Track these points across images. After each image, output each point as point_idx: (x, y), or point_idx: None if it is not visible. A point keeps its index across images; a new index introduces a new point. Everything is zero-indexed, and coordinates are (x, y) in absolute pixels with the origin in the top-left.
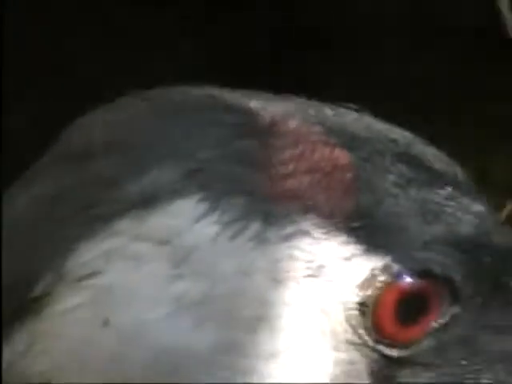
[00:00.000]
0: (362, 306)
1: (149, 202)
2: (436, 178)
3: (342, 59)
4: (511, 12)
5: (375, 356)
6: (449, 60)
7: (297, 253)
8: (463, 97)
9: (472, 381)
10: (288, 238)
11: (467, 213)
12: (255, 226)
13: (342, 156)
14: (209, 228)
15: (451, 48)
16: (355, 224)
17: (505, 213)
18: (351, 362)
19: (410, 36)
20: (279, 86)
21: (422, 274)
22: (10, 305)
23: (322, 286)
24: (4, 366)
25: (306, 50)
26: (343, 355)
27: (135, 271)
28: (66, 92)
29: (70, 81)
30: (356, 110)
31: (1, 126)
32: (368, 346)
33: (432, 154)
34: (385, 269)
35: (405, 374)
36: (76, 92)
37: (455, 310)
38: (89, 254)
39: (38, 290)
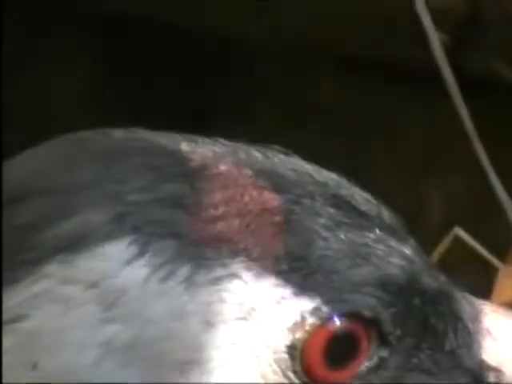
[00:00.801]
0: (291, 349)
1: (77, 244)
2: (364, 221)
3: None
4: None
5: None
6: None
7: (227, 296)
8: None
9: None
10: (218, 280)
11: (396, 256)
12: (185, 269)
13: (270, 199)
14: (139, 271)
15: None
16: (285, 267)
17: (441, 248)
18: None
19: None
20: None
21: (352, 316)
22: None
23: (252, 329)
24: None
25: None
26: None
27: (64, 315)
28: None
29: None
30: (283, 153)
31: None
32: None
33: (360, 196)
34: (314, 311)
35: None
36: None
37: (384, 352)
38: (16, 297)
39: None
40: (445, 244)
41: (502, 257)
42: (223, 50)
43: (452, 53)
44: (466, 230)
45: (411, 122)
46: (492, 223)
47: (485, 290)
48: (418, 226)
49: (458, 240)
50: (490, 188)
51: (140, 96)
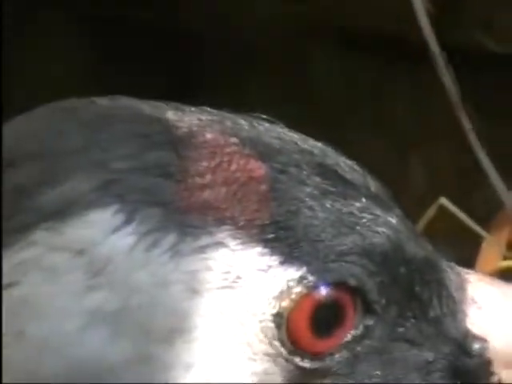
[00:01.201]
0: (277, 317)
1: (64, 212)
2: (350, 190)
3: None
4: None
5: (290, 367)
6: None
7: (212, 264)
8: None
9: None
10: (204, 249)
11: (381, 224)
12: (171, 238)
13: (257, 167)
14: (124, 239)
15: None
16: (271, 235)
17: (424, 220)
18: (266, 373)
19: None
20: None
21: (337, 285)
22: None
23: (237, 298)
24: None
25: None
26: (259, 366)
27: (51, 282)
28: None
29: None
30: (270, 121)
31: None
32: (283, 358)
33: (346, 165)
34: (300, 280)
35: None
36: None
37: (369, 321)
38: (4, 265)
39: None
40: (429, 214)
41: (486, 226)
42: (223, 25)
43: (436, 25)
44: (451, 201)
45: (398, 96)
46: (477, 194)
47: (469, 260)
48: (403, 196)
49: (442, 210)
50: (475, 159)
51: (127, 67)
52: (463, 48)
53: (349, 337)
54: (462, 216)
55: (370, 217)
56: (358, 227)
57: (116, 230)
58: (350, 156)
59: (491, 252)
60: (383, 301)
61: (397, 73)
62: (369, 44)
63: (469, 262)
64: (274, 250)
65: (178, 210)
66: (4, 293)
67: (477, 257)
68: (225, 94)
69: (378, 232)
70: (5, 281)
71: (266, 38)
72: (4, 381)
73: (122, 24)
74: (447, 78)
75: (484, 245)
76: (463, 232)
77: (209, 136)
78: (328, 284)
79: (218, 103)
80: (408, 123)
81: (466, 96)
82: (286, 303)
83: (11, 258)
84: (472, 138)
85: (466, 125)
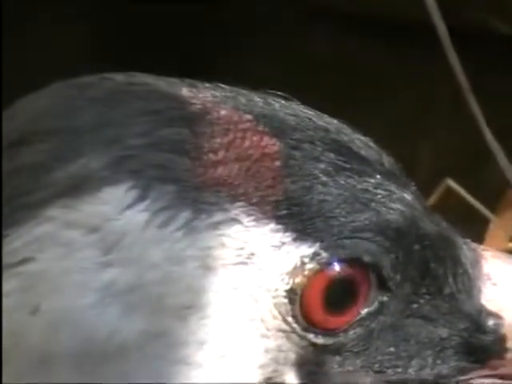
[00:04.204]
0: (291, 293)
1: (78, 188)
2: (365, 166)
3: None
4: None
5: (304, 343)
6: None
7: (226, 240)
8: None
9: (401, 368)
10: (217, 225)
11: (395, 201)
12: (185, 214)
13: (270, 144)
14: (138, 216)
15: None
16: (285, 212)
17: (434, 197)
18: (280, 350)
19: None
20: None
21: (351, 261)
22: None
23: (251, 274)
24: None
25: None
26: (272, 343)
27: (66, 258)
28: None
29: None
30: (284, 98)
31: None
32: (296, 334)
33: (360, 142)
34: (314, 256)
35: (334, 361)
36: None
37: (383, 297)
38: (19, 240)
39: None
40: (436, 196)
41: (492, 208)
42: (228, 10)
43: (442, 6)
44: (457, 183)
45: (403, 75)
46: (483, 175)
47: (476, 242)
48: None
49: (449, 191)
50: (482, 140)
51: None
52: (470, 29)
53: (363, 313)
54: (469, 197)
55: (384, 193)
56: (372, 204)
57: (130, 206)
58: None
59: (498, 233)
60: (398, 277)
61: (401, 53)
62: (372, 25)
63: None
64: (287, 227)
65: (192, 187)
66: (18, 268)
67: (483, 238)
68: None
69: (392, 208)
70: (19, 256)
71: None
72: (17, 356)
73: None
74: (454, 59)
75: (491, 226)
76: (469, 214)
77: (223, 112)
78: (342, 260)
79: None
80: (412, 104)
81: (472, 78)
82: (299, 279)
83: (26, 234)
84: (480, 119)
85: (473, 106)
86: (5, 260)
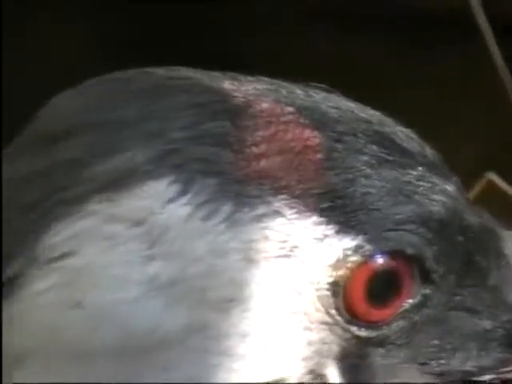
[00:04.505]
0: (334, 286)
1: (121, 182)
2: (408, 158)
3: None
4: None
5: (347, 336)
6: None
7: (269, 233)
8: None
9: (445, 360)
10: (260, 218)
11: (438, 193)
12: (228, 207)
13: (312, 136)
14: (181, 209)
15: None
16: (327, 204)
17: (476, 190)
18: (323, 342)
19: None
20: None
21: (394, 254)
22: None
23: (294, 267)
24: None
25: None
26: (315, 335)
27: (108, 252)
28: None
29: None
30: (327, 90)
31: None
32: (340, 326)
33: (403, 134)
34: (357, 249)
35: (377, 354)
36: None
37: (427, 290)
38: (61, 235)
39: (10, 272)
40: (476, 190)
41: None
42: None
43: None
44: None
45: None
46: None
47: None
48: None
49: (490, 185)
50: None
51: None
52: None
53: (406, 306)
54: (510, 191)
55: (427, 185)
56: (415, 196)
57: (173, 200)
58: None
59: None
60: (441, 269)
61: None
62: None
63: None
64: (330, 219)
65: (235, 180)
66: (60, 263)
67: None
68: None
69: (435, 200)
70: (60, 251)
71: None
72: (60, 350)
73: None
74: (494, 47)
75: None
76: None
77: (265, 105)
78: (385, 253)
79: None
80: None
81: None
82: (342, 272)
83: (67, 229)
84: None
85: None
86: (46, 254)
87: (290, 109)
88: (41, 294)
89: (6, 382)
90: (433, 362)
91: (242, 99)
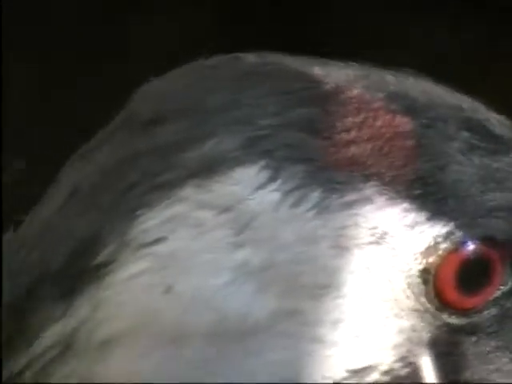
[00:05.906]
0: (425, 273)
1: (211, 168)
2: (499, 145)
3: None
4: None
5: (438, 323)
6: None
7: (360, 220)
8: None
9: None
10: (350, 205)
11: None
12: (317, 194)
13: (403, 123)
14: (270, 196)
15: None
16: (418, 191)
17: None
18: (414, 330)
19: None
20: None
21: (485, 240)
22: (70, 272)
23: (384, 254)
24: (69, 331)
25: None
26: (406, 323)
27: (198, 238)
28: None
29: None
30: (417, 76)
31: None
32: (430, 314)
33: (495, 120)
34: (448, 236)
35: (468, 342)
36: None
37: None
38: (152, 220)
39: (101, 257)
40: None
41: None
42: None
43: None
44: None
45: None
46: None
47: None
48: None
49: None
50: None
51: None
52: None
53: (497, 293)
54: None
55: None
56: (507, 183)
57: (262, 186)
58: None
59: None
60: None
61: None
62: None
63: None
64: (420, 206)
65: (324, 167)
66: (151, 248)
67: None
68: None
69: None
70: (152, 237)
71: None
72: (150, 335)
73: None
74: None
75: None
76: None
77: (355, 92)
78: (476, 239)
79: None
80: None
81: None
82: (432, 259)
83: (159, 215)
84: None
85: None
86: (138, 240)
87: (381, 95)
88: (133, 279)
89: (80, 370)
90: None
91: (332, 85)
